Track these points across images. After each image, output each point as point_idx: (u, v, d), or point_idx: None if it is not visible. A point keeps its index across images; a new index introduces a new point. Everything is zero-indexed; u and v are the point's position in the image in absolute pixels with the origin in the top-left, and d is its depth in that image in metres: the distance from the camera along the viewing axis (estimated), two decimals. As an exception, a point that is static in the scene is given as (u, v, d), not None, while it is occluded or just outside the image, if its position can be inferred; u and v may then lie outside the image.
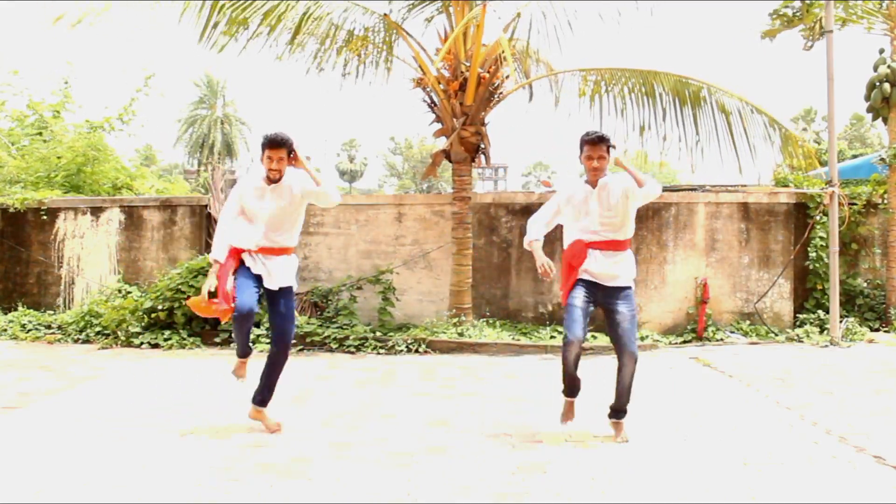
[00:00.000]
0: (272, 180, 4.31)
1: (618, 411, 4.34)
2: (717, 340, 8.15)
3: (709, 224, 8.69)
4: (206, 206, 9.26)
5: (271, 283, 4.33)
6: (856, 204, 8.98)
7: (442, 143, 8.50)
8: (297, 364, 6.81)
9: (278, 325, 4.40)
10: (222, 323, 5.18)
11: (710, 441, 4.25)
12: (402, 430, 4.51)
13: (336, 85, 9.91)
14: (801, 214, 8.82)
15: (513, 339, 7.85)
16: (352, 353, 7.61)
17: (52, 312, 9.07)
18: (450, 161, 8.42)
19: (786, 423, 4.71)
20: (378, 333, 7.89)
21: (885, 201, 8.96)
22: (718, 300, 8.57)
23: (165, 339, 7.81)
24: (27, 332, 8.38)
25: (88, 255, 9.41)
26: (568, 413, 4.39)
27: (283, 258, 4.40)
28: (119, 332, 7.94)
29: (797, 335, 8.17)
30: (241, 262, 4.36)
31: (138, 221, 9.40)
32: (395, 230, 8.84)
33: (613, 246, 4.24)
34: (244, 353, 4.47)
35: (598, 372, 6.19)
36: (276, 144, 4.23)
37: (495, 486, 3.47)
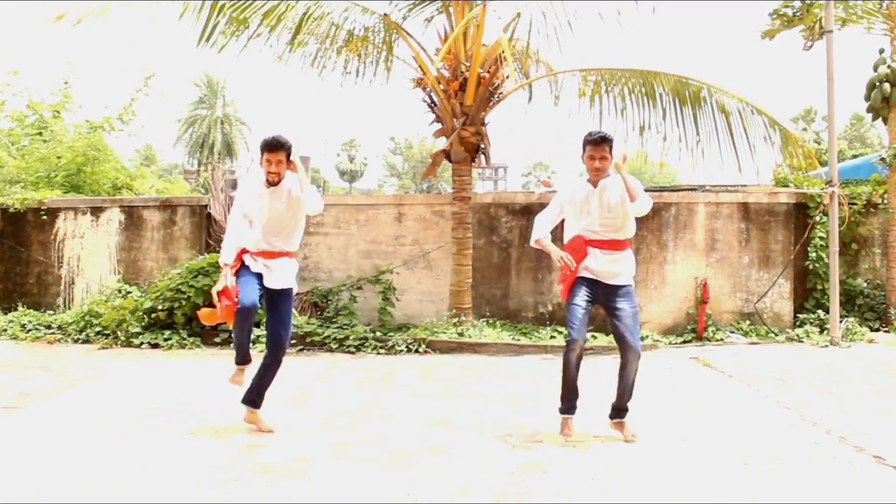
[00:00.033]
0: (271, 183, 4.32)
1: (620, 410, 4.32)
2: (717, 340, 8.15)
3: (709, 224, 8.69)
4: (206, 206, 9.26)
5: (271, 282, 4.33)
6: (856, 204, 8.98)
7: (442, 143, 8.50)
8: (297, 364, 6.81)
9: (274, 331, 4.40)
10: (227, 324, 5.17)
11: (710, 441, 4.25)
12: (402, 430, 4.51)
13: (336, 85, 9.90)
14: (801, 214, 8.82)
15: (513, 339, 7.85)
16: (352, 353, 7.61)
17: (52, 312, 9.07)
18: (450, 161, 8.42)
19: (786, 423, 4.71)
20: (378, 333, 7.89)
21: (885, 201, 8.96)
22: (718, 300, 8.57)
23: (165, 339, 7.81)
24: (27, 332, 8.38)
25: (88, 255, 9.41)
26: (565, 430, 4.28)
27: (283, 259, 4.40)
28: (119, 332, 7.94)
29: (797, 335, 8.17)
30: (242, 263, 4.37)
31: (138, 221, 9.40)
32: (395, 230, 8.85)
33: (613, 245, 4.25)
34: (243, 359, 4.42)
35: (598, 372, 6.19)
36: (275, 147, 4.24)
37: (495, 486, 3.47)
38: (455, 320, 7.97)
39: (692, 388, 5.85)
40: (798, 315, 8.63)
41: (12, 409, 5.02)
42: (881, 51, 9.09)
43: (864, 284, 9.06)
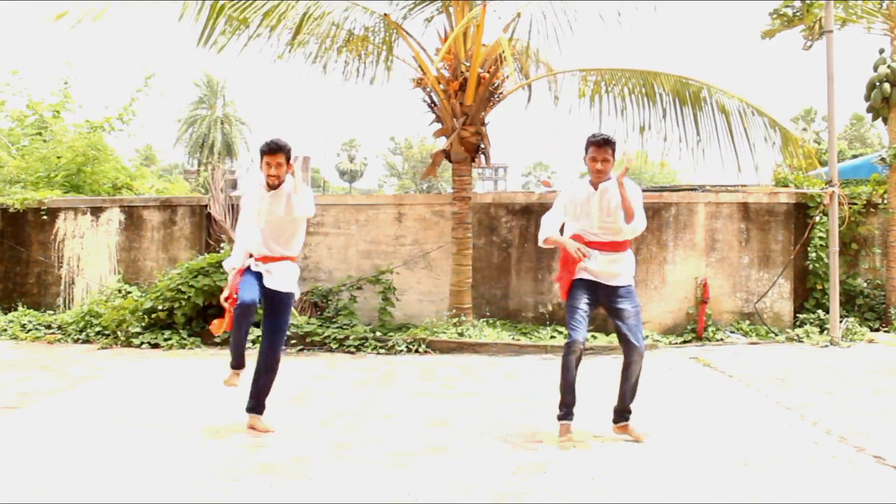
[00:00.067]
0: (271, 186, 4.33)
1: (624, 412, 4.30)
2: (717, 340, 8.15)
3: (709, 224, 8.69)
4: (206, 206, 9.26)
5: (271, 283, 4.32)
6: (856, 204, 8.98)
7: (442, 143, 8.50)
8: (297, 364, 6.81)
9: (270, 336, 4.41)
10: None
11: (710, 441, 4.25)
12: (402, 430, 4.51)
13: (336, 85, 9.92)
14: (801, 214, 8.82)
15: (513, 339, 7.85)
16: (352, 353, 7.61)
17: (52, 312, 9.08)
18: (450, 161, 8.42)
19: (786, 423, 4.71)
20: (378, 333, 7.89)
21: (885, 201, 8.96)
22: (718, 300, 8.57)
23: (165, 339, 7.81)
24: (27, 332, 8.39)
25: (88, 255, 9.41)
26: (563, 435, 4.21)
27: (283, 263, 4.40)
28: (119, 332, 7.94)
29: (797, 335, 8.17)
30: (247, 268, 4.39)
31: (138, 221, 9.40)
32: (395, 230, 8.85)
33: (612, 247, 4.25)
34: (238, 363, 4.42)
35: (598, 372, 6.20)
36: (273, 150, 4.26)
37: (495, 486, 3.47)
38: (455, 320, 7.97)
39: (692, 388, 5.85)
40: (798, 315, 8.63)
41: (12, 409, 5.02)
42: (881, 51, 9.09)
43: (864, 284, 9.06)
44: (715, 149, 8.17)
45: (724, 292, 8.62)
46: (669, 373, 6.55)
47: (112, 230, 9.40)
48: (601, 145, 4.21)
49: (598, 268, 4.22)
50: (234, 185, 10.87)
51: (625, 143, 8.17)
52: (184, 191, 15.33)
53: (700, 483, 3.52)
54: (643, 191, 5.11)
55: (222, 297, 4.33)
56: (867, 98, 9.08)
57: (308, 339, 7.74)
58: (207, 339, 7.85)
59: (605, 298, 4.27)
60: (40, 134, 11.45)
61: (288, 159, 4.30)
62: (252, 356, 4.48)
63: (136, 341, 7.80)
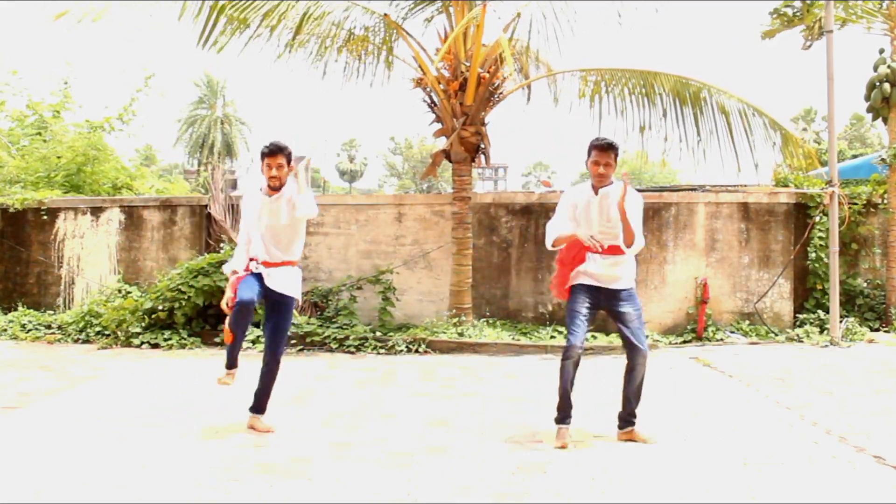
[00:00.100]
0: (273, 188, 4.33)
1: (630, 417, 4.28)
2: (717, 340, 8.15)
3: (709, 224, 8.69)
4: (206, 206, 9.26)
5: (272, 283, 4.32)
6: (856, 204, 8.98)
7: (442, 143, 8.51)
8: (297, 364, 6.81)
9: (271, 339, 4.42)
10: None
11: (710, 441, 4.25)
12: (402, 430, 4.51)
13: (336, 85, 9.93)
14: (801, 214, 8.82)
15: (513, 339, 7.85)
16: (352, 353, 7.61)
17: (52, 312, 9.08)
18: (450, 161, 8.42)
19: (786, 423, 4.71)
20: (378, 333, 7.90)
21: (885, 201, 8.96)
22: (718, 300, 8.57)
23: (165, 340, 7.81)
24: (27, 332, 8.39)
25: (88, 255, 9.41)
26: (560, 439, 4.17)
27: (285, 267, 4.39)
28: (119, 332, 7.94)
29: (797, 335, 8.17)
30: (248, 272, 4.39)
31: (138, 221, 9.40)
32: (395, 230, 8.85)
33: (612, 250, 4.23)
34: (231, 363, 4.42)
35: (598, 372, 6.20)
36: (274, 152, 4.26)
37: (495, 486, 3.47)
38: (455, 320, 7.97)
39: (692, 388, 5.85)
40: (798, 315, 8.63)
41: (12, 409, 5.02)
42: (881, 51, 9.09)
43: (864, 284, 9.06)
44: (715, 149, 8.19)
45: (724, 292, 8.62)
46: (669, 373, 6.55)
47: (112, 230, 9.40)
48: (604, 149, 4.20)
49: (598, 271, 4.21)
50: (234, 185, 10.89)
51: (624, 142, 8.18)
52: (184, 191, 15.34)
53: (700, 483, 3.52)
54: (643, 191, 5.11)
55: (223, 303, 4.33)
56: (867, 98, 9.08)
57: (308, 339, 7.74)
58: (207, 339, 7.85)
59: (606, 302, 4.25)
60: (40, 134, 11.45)
61: (289, 161, 4.30)
62: (252, 356, 4.48)
63: (136, 341, 7.80)
